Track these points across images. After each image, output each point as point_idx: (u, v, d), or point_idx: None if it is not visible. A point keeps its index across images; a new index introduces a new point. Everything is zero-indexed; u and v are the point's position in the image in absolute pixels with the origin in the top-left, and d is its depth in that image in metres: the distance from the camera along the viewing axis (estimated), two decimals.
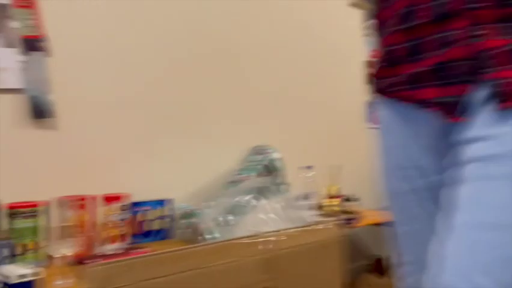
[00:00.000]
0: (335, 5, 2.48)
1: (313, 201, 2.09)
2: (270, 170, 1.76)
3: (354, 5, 2.21)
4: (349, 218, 1.86)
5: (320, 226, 1.55)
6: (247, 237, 1.35)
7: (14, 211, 1.39)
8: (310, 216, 1.73)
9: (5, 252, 1.27)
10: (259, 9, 2.22)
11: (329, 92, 2.48)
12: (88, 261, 1.27)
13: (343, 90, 2.55)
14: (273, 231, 1.40)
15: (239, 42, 2.13)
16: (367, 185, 2.61)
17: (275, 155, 1.77)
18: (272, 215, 1.49)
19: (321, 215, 1.91)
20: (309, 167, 2.19)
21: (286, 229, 1.44)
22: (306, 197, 2.13)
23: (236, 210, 1.53)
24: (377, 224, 2.07)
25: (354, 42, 2.61)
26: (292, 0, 2.32)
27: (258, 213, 1.54)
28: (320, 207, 2.04)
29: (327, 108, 2.47)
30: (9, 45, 1.47)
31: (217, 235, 1.48)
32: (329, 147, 2.48)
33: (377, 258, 2.51)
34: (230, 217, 1.52)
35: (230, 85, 2.08)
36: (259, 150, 1.84)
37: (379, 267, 2.47)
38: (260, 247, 1.36)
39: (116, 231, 1.55)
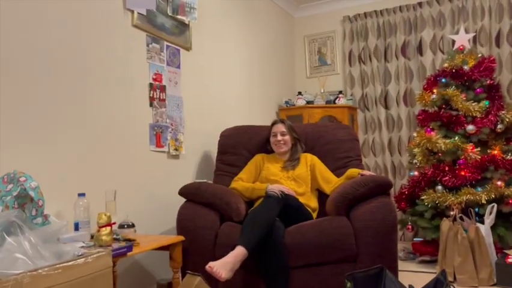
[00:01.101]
0: (119, 28, 2.39)
1: (84, 231, 1.90)
2: (24, 201, 1.50)
3: None
4: (123, 247, 1.74)
5: (86, 260, 1.39)
6: None
7: None
8: (76, 249, 1.54)
9: None
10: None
11: (106, 113, 2.34)
12: None
13: (123, 111, 2.45)
14: (23, 272, 1.19)
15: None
16: (144, 209, 2.57)
17: (30, 184, 1.52)
18: (19, 255, 1.25)
19: (93, 245, 1.74)
20: (81, 194, 1.99)
21: (41, 268, 1.25)
22: (76, 227, 1.93)
23: None
24: (157, 249, 2.02)
25: (138, 65, 2.56)
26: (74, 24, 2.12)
27: (4, 253, 1.28)
28: (92, 236, 1.86)
29: (103, 131, 2.32)
30: None
31: None
32: (105, 172, 2.33)
33: (163, 283, 2.45)
34: None
35: None
36: (10, 179, 1.55)
37: None
38: None
39: None
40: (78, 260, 1.35)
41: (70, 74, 2.16)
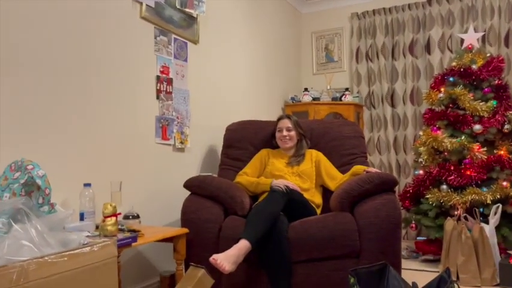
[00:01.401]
0: (128, 20, 2.39)
1: (89, 221, 1.91)
2: (31, 188, 1.51)
3: None
4: (128, 237, 1.75)
5: (91, 248, 1.40)
6: None
7: None
8: (82, 238, 1.55)
9: None
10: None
11: (113, 105, 2.35)
12: None
13: (130, 103, 2.45)
14: (30, 259, 1.20)
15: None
16: (148, 201, 2.58)
17: (38, 172, 1.53)
18: (26, 242, 1.26)
19: (98, 235, 1.75)
20: (87, 185, 2.00)
21: (47, 255, 1.26)
22: (81, 217, 1.94)
23: None
24: (161, 241, 2.03)
25: (146, 57, 2.56)
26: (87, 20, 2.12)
27: (11, 240, 1.29)
28: (97, 227, 1.87)
29: (109, 122, 2.33)
30: None
31: None
32: (111, 163, 2.34)
33: (166, 275, 2.46)
34: None
35: None
36: (18, 166, 1.56)
37: (171, 283, 2.43)
38: (14, 277, 1.15)
39: None
40: (83, 249, 1.36)
41: (78, 64, 2.16)
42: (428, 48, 4.24)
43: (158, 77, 2.67)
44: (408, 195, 3.52)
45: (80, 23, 2.18)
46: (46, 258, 1.23)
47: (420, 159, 3.52)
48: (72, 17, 2.14)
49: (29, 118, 1.92)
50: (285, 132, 2.73)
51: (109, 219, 1.74)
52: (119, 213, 1.83)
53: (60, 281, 1.27)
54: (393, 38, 4.39)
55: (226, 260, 1.90)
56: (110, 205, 1.74)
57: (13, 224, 1.31)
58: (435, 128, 3.41)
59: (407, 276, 2.71)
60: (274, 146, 2.85)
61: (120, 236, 1.75)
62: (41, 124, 1.97)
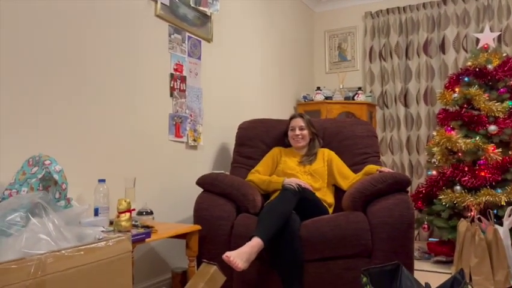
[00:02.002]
0: (142, 18, 2.41)
1: (103, 217, 1.94)
2: (48, 183, 1.54)
3: None
4: (141, 233, 1.77)
5: (106, 243, 1.42)
6: (15, 261, 1.15)
7: None
8: (97, 233, 1.57)
9: None
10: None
11: (127, 102, 2.37)
12: None
13: (144, 101, 2.48)
14: (47, 252, 1.22)
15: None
16: (161, 198, 2.60)
17: (55, 167, 1.55)
18: (43, 235, 1.28)
19: (112, 231, 1.77)
20: (101, 180, 2.03)
21: (64, 249, 1.28)
22: (96, 212, 1.97)
23: None
24: (174, 237, 2.05)
25: (160, 55, 2.58)
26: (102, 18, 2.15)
27: (29, 233, 1.32)
28: (111, 222, 1.90)
29: (125, 118, 2.36)
30: None
31: None
32: (126, 159, 2.36)
33: (178, 272, 2.48)
34: None
35: (8, 84, 1.77)
36: (35, 161, 1.59)
37: (182, 280, 2.45)
38: (32, 270, 1.18)
39: None
40: (99, 243, 1.38)
41: (94, 62, 2.19)
42: (442, 48, 4.20)
43: (172, 75, 2.69)
44: (421, 195, 3.49)
45: (96, 21, 2.20)
46: (63, 251, 1.25)
47: (433, 160, 3.49)
48: (88, 16, 2.16)
49: (47, 114, 1.95)
50: (297, 131, 2.73)
51: (123, 215, 1.76)
52: (133, 209, 1.85)
53: (77, 275, 1.29)
54: (407, 37, 4.36)
55: (239, 257, 1.91)
56: (125, 201, 1.76)
57: (31, 217, 1.34)
58: (449, 128, 3.38)
59: (419, 277, 2.69)
60: (287, 145, 2.85)
61: (134, 231, 1.77)
62: (58, 120, 2.00)
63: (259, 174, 2.66)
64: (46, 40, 1.96)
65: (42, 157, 1.59)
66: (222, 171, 2.65)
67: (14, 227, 1.31)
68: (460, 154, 3.31)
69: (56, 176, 1.53)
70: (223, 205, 2.32)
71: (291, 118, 2.83)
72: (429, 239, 3.73)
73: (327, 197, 2.58)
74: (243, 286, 2.19)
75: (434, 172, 3.45)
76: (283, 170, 2.65)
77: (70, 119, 2.06)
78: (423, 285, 1.70)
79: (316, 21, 4.91)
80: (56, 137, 1.99)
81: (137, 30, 2.45)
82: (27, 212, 1.33)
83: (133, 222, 1.93)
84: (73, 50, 2.08)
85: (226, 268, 1.92)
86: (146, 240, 1.77)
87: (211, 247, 2.24)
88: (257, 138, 2.95)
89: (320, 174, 2.62)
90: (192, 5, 2.85)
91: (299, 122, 2.76)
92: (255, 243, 1.98)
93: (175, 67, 2.72)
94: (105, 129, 2.25)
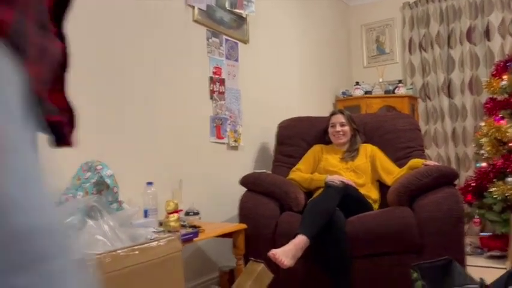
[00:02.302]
0: (181, 24, 2.49)
1: (153, 218, 2.01)
2: (101, 187, 1.62)
3: None
4: (190, 233, 1.83)
5: (158, 243, 1.48)
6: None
7: None
8: (149, 233, 1.64)
9: None
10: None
11: (170, 107, 2.44)
12: None
13: (186, 105, 2.55)
14: (104, 252, 1.29)
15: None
16: (206, 198, 2.65)
17: (106, 172, 1.63)
18: (100, 237, 1.36)
19: (162, 231, 1.84)
20: (149, 183, 2.11)
21: (120, 249, 1.34)
22: (145, 214, 2.04)
23: None
24: (220, 236, 2.10)
25: (199, 59, 2.65)
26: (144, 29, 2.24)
27: (86, 235, 1.40)
28: (160, 223, 1.97)
29: (168, 122, 2.43)
30: None
31: None
32: (171, 162, 2.43)
33: (225, 270, 2.53)
34: None
35: None
36: (88, 167, 1.68)
37: (230, 278, 2.49)
38: (92, 270, 1.25)
39: None
40: (151, 243, 1.44)
41: (141, 70, 2.28)
42: (487, 35, 4.02)
43: (211, 78, 2.74)
44: (470, 188, 3.36)
45: (139, 29, 2.29)
46: (119, 251, 1.32)
47: (482, 151, 3.36)
48: (131, 24, 2.25)
49: (98, 122, 2.05)
50: (338, 128, 2.71)
51: (171, 215, 1.82)
52: (181, 210, 1.91)
53: (132, 274, 1.36)
54: (448, 25, 4.21)
55: (285, 254, 1.93)
56: (173, 202, 1.82)
57: (88, 220, 1.41)
58: (498, 117, 3.24)
59: (473, 272, 2.59)
60: (327, 142, 2.84)
61: (183, 231, 1.83)
62: (107, 128, 2.09)
63: (301, 172, 2.66)
64: (97, 55, 2.05)
65: (94, 163, 1.68)
66: (264, 171, 2.67)
67: (72, 229, 1.39)
68: (510, 144, 3.16)
69: (107, 180, 1.61)
70: (267, 204, 2.35)
71: (331, 115, 2.81)
72: (481, 234, 3.58)
73: (371, 193, 2.54)
74: (289, 283, 2.21)
75: (484, 164, 3.31)
76: (325, 168, 2.64)
77: (119, 126, 2.16)
78: (478, 280, 1.65)
79: (352, 16, 4.84)
80: (107, 144, 2.08)
81: (177, 37, 2.52)
82: (83, 215, 1.40)
83: (181, 223, 1.99)
84: (119, 58, 2.17)
85: (272, 266, 1.94)
86: (195, 239, 1.83)
87: (256, 245, 2.27)
88: (297, 137, 2.95)
89: (363, 170, 2.59)
90: (228, 8, 2.90)
91: (340, 118, 2.74)
92: (300, 241, 1.99)
93: (214, 70, 2.77)
94: (150, 135, 2.33)
